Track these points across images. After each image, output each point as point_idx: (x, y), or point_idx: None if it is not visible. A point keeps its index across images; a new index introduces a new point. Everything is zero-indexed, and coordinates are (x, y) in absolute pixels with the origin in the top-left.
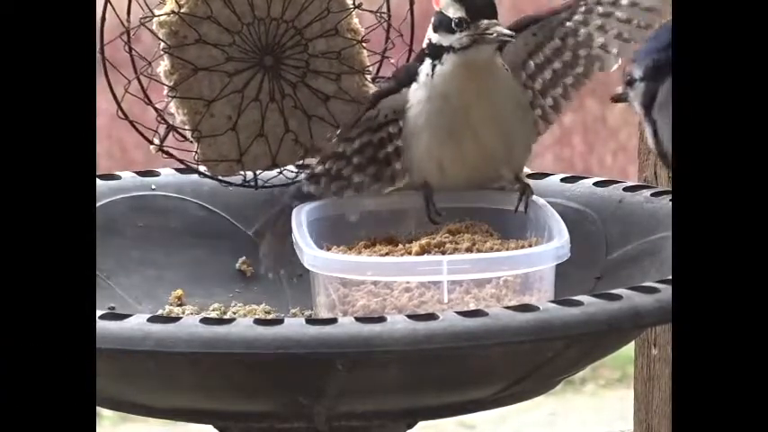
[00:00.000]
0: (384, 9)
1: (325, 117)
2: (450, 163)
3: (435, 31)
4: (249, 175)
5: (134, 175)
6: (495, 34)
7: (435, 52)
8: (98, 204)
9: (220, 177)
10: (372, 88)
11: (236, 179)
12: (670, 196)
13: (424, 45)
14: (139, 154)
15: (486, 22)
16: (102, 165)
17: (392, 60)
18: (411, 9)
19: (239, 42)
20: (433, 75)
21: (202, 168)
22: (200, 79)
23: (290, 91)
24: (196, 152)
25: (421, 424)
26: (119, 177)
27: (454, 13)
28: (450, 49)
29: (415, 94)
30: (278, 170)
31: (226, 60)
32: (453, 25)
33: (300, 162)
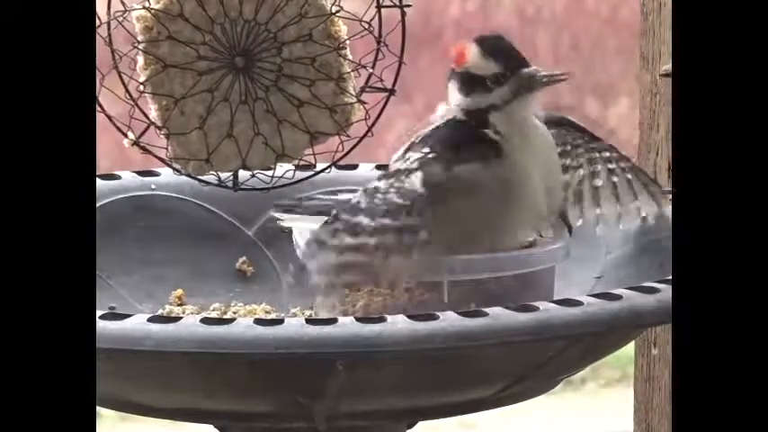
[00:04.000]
0: (370, 19)
1: (297, 123)
2: None
3: (468, 94)
4: (225, 175)
5: (134, 175)
6: (545, 78)
7: (480, 117)
8: (98, 204)
9: (194, 175)
10: (351, 98)
11: (214, 179)
12: (670, 196)
13: (453, 114)
14: (139, 154)
15: (526, 70)
16: (102, 165)
17: (370, 70)
18: (402, 20)
19: (211, 42)
20: (497, 140)
21: (176, 165)
22: (171, 76)
23: (262, 94)
24: (167, 149)
25: (421, 424)
26: (119, 177)
27: (487, 70)
28: (492, 108)
29: (481, 172)
30: (251, 173)
31: (197, 59)
32: (489, 83)
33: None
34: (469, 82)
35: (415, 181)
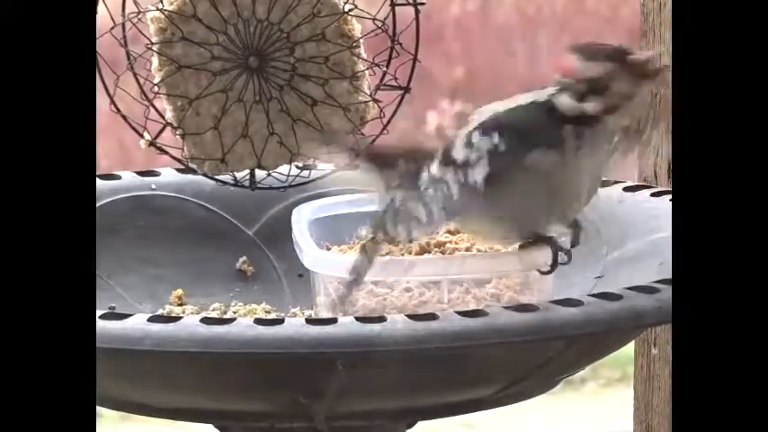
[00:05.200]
0: (384, 17)
1: (311, 122)
2: None
3: (581, 100)
4: (242, 174)
5: (134, 175)
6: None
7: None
8: (98, 204)
9: (210, 175)
10: (365, 96)
11: (230, 178)
12: (670, 196)
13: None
14: (139, 154)
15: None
16: (102, 165)
17: (384, 68)
18: (416, 18)
19: (224, 42)
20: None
21: (192, 165)
22: (186, 77)
23: (276, 94)
24: (182, 149)
25: (421, 424)
26: (119, 177)
27: (599, 69)
28: (611, 108)
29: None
30: (267, 172)
31: (211, 60)
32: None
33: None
34: (582, 88)
35: (478, 177)
